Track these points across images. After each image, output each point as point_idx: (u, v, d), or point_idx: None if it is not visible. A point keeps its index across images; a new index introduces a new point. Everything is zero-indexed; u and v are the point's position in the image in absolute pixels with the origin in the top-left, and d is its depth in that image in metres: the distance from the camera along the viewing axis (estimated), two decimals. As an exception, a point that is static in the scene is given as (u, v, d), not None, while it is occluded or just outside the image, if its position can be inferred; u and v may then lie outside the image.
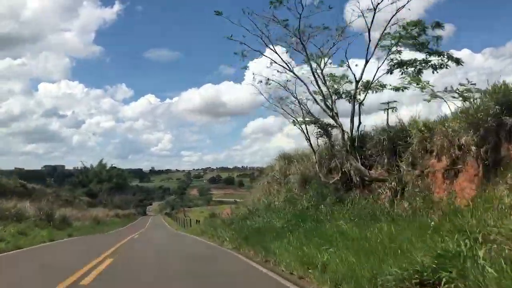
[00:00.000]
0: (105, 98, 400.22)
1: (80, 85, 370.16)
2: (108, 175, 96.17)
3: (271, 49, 13.45)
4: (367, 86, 13.02)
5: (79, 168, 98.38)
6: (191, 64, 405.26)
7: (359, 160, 11.94)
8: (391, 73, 12.94)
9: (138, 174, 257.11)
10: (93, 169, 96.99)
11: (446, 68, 12.19)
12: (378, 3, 11.60)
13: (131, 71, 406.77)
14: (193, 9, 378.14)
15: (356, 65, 13.11)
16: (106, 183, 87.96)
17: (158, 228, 40.41)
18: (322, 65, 13.14)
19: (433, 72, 12.46)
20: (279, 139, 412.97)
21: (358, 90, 12.93)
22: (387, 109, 12.54)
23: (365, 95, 13.28)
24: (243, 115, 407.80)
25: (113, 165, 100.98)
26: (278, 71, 13.81)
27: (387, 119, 12.41)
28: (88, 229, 27.14)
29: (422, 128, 9.84)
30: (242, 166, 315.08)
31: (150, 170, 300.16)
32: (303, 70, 13.73)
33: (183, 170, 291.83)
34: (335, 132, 13.81)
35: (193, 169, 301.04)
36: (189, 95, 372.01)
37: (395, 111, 12.62)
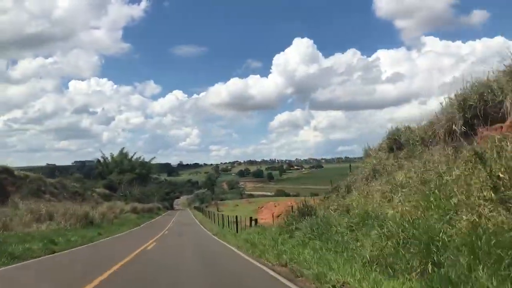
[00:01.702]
0: (134, 95, 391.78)
1: (109, 82, 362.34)
2: (130, 165, 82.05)
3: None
4: None
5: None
6: (217, 59, 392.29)
7: None
8: None
9: (167, 168, 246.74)
10: (114, 159, 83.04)
11: None
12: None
13: (158, 67, 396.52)
14: (219, 4, 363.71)
15: None
16: (128, 174, 73.58)
17: (185, 232, 24.52)
18: None
19: None
20: (307, 132, 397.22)
21: None
22: None
23: None
24: (270, 108, 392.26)
25: (135, 153, 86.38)
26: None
27: None
28: (39, 240, 11.50)
29: None
30: (270, 159, 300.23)
31: (178, 164, 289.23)
32: None
33: (211, 164, 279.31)
34: None
35: (221, 163, 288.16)
36: (216, 89, 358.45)
37: None
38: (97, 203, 43.41)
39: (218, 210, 60.34)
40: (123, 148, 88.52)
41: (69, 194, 44.17)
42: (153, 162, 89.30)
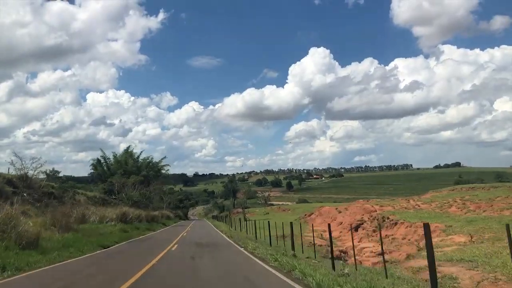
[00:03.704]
0: (150, 107, 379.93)
1: (126, 94, 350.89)
2: (135, 166, 64.46)
3: None
4: None
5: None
6: (234, 70, 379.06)
7: None
8: None
9: (182, 178, 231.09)
10: (116, 159, 65.50)
11: None
12: None
13: (175, 79, 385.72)
14: (235, 14, 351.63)
15: None
16: (133, 176, 55.72)
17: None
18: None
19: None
20: (323, 142, 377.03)
21: None
22: None
23: None
24: (286, 119, 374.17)
25: (142, 152, 68.90)
26: None
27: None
28: None
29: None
30: (288, 169, 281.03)
31: (194, 174, 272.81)
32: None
33: (227, 174, 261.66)
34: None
35: (237, 173, 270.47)
36: (232, 100, 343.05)
37: None
38: (85, 208, 27.01)
39: (245, 219, 42.54)
40: (129, 146, 71.08)
41: (37, 197, 28.00)
42: (164, 163, 70.89)
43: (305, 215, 36.94)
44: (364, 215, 24.66)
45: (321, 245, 18.48)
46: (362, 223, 23.31)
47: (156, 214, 40.89)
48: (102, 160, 65.43)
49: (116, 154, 67.09)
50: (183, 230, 28.74)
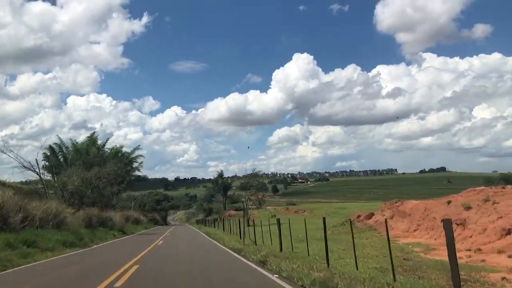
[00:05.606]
0: (132, 111, 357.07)
1: (108, 98, 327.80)
2: (100, 156, 47.28)
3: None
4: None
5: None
6: (217, 74, 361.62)
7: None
8: None
9: (163, 182, 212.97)
10: (75, 147, 47.96)
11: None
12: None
13: (158, 83, 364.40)
14: (219, 19, 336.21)
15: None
16: (95, 168, 38.38)
17: None
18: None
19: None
20: (305, 148, 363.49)
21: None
22: None
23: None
24: (269, 124, 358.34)
25: (108, 140, 51.49)
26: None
27: None
28: None
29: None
30: (272, 173, 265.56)
31: (175, 179, 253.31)
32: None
33: (209, 179, 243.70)
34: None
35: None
36: (215, 105, 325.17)
37: None
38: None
39: (249, 224, 26.26)
40: (94, 133, 53.38)
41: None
42: (137, 153, 53.41)
43: (358, 216, 21.35)
44: None
45: None
46: None
47: (111, 216, 24.25)
48: (58, 149, 47.68)
49: (77, 142, 49.53)
50: (143, 249, 12.51)
